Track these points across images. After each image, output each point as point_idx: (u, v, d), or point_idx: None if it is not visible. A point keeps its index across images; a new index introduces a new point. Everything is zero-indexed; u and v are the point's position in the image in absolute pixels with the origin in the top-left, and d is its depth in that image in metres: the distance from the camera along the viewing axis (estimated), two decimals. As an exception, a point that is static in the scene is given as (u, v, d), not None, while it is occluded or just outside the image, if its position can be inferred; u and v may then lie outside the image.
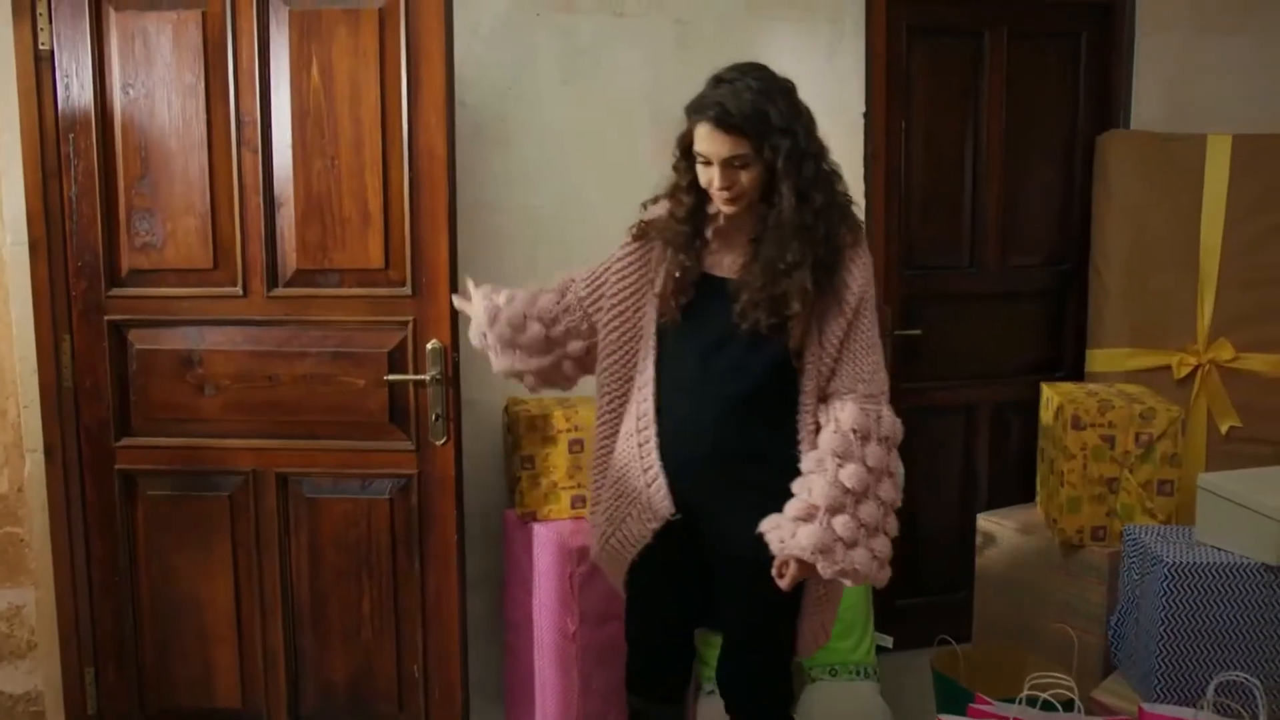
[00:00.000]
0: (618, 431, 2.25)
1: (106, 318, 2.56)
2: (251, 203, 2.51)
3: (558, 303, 2.30)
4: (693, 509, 2.16)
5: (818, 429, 2.10)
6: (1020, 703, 2.42)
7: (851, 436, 2.05)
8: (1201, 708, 2.37)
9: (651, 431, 2.15)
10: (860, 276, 2.10)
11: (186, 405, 2.57)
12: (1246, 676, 2.34)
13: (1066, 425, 2.88)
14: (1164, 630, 2.48)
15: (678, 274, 2.13)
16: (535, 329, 2.28)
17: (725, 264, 2.14)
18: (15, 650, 2.74)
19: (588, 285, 2.29)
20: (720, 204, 2.08)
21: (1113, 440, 2.84)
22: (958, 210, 3.51)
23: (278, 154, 2.50)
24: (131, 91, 2.51)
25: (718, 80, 2.05)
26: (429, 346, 2.51)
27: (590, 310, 2.28)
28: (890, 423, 2.10)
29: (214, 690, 2.67)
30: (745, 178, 2.03)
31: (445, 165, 2.49)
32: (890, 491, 2.07)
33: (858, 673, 3.00)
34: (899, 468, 2.13)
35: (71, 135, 2.52)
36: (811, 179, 2.05)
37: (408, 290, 2.52)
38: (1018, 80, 3.49)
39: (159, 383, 2.57)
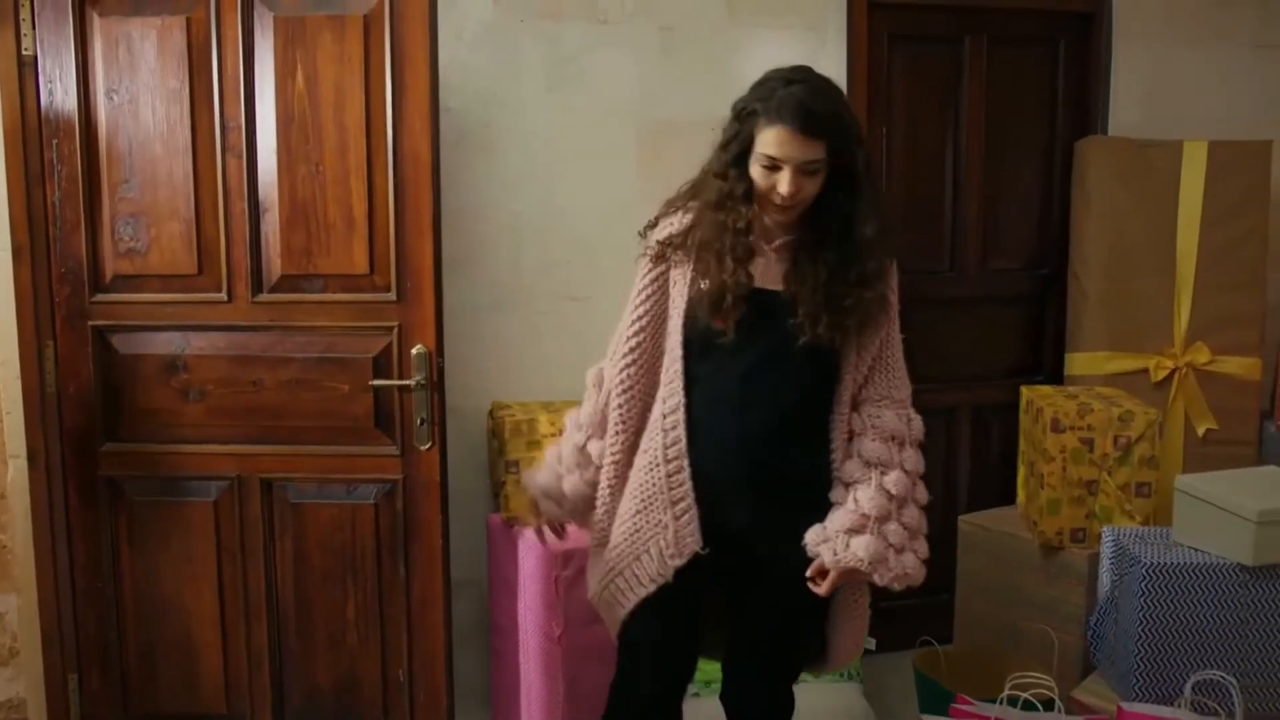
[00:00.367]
0: (629, 466, 2.11)
1: (90, 323, 2.55)
2: (236, 208, 2.51)
3: (603, 413, 2.14)
4: (726, 538, 2.04)
5: (848, 436, 2.06)
6: (1001, 703, 2.45)
7: (891, 443, 2.03)
8: (1179, 706, 2.40)
9: (684, 460, 2.02)
10: (895, 285, 2.08)
11: (171, 411, 2.57)
12: (1223, 675, 2.38)
13: (1046, 428, 2.91)
14: (1142, 630, 2.51)
15: (736, 291, 1.97)
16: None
17: (762, 274, 2.01)
18: (-2, 657, 2.74)
19: (618, 367, 2.13)
20: (777, 212, 1.96)
21: (1091, 443, 2.88)
22: (938, 215, 3.54)
23: (262, 160, 2.50)
24: (116, 97, 2.51)
25: (787, 80, 1.92)
26: (414, 351, 2.52)
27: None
28: (919, 425, 2.09)
29: (198, 696, 2.67)
30: (811, 184, 1.93)
31: (430, 171, 2.49)
32: (924, 492, 2.06)
33: (841, 674, 3.02)
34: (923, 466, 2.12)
35: (55, 141, 2.51)
36: (875, 187, 2.02)
37: (392, 296, 2.52)
38: (997, 87, 3.53)
39: (143, 388, 2.57)
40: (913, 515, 2.02)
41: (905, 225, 3.49)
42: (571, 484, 2.17)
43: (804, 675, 2.93)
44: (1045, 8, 3.53)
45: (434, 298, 2.52)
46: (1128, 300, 3.40)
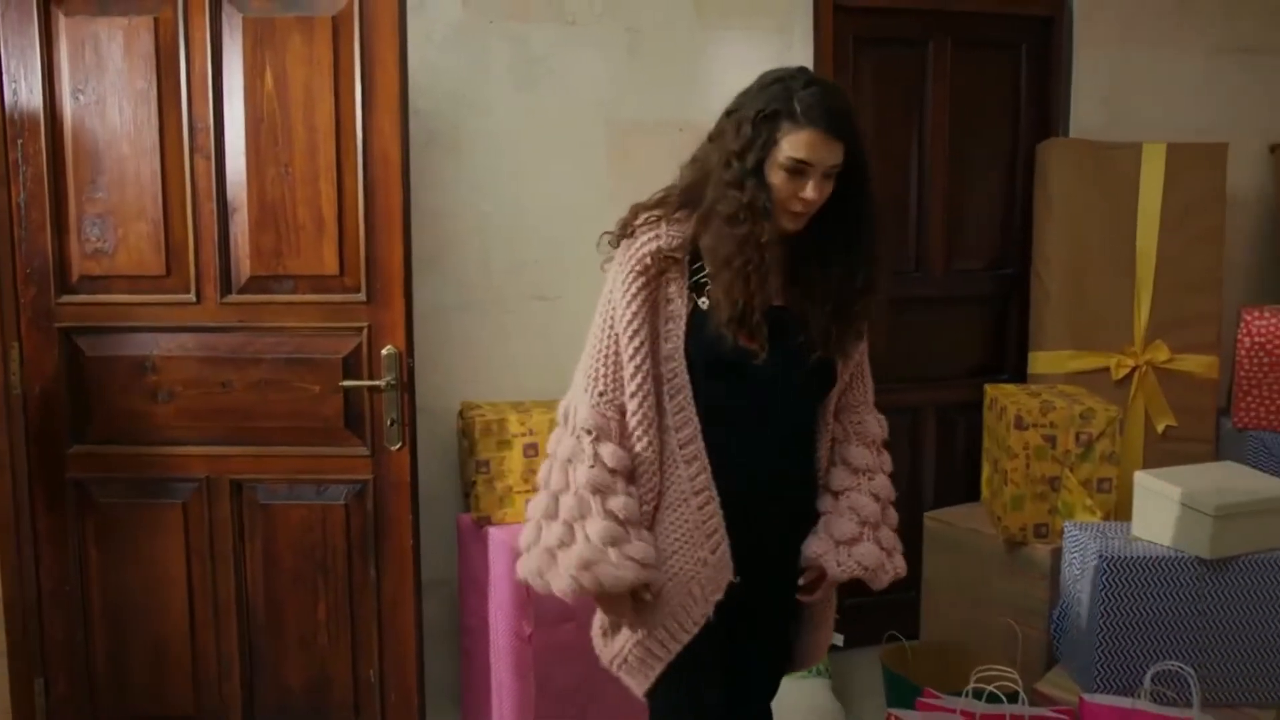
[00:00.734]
0: (656, 508, 1.90)
1: (56, 325, 2.54)
2: (205, 209, 2.50)
3: (627, 457, 1.88)
4: (756, 561, 1.93)
5: (829, 442, 2.01)
6: (966, 695, 2.49)
7: (874, 448, 2.02)
8: (1139, 697, 2.45)
9: (711, 490, 1.87)
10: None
11: (139, 412, 2.56)
12: (1181, 666, 2.43)
13: (1009, 426, 2.96)
14: (1103, 623, 2.56)
15: (763, 308, 1.84)
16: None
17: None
18: (-37, 661, 2.71)
19: (614, 384, 1.89)
20: (791, 221, 1.84)
21: (1054, 440, 2.93)
22: (904, 216, 3.58)
23: (231, 160, 2.50)
24: (82, 98, 2.49)
25: (805, 82, 1.82)
26: (384, 352, 2.52)
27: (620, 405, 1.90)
28: (885, 425, 2.08)
29: (168, 699, 2.65)
30: (829, 189, 1.83)
31: (399, 172, 2.50)
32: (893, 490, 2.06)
33: (811, 670, 3.05)
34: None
35: (20, 141, 2.50)
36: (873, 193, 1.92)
37: (362, 296, 2.53)
38: (961, 90, 3.58)
39: (111, 390, 2.56)
40: (894, 515, 2.03)
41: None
42: (646, 539, 1.88)
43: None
44: (1007, 12, 3.58)
45: (404, 298, 2.52)
46: (1089, 300, 3.46)
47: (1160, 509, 2.63)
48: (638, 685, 1.99)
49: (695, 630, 1.88)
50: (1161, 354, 3.47)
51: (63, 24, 2.48)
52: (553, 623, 2.70)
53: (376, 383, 2.53)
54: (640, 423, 1.86)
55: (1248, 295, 3.77)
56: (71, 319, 2.54)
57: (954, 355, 3.69)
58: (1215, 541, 2.51)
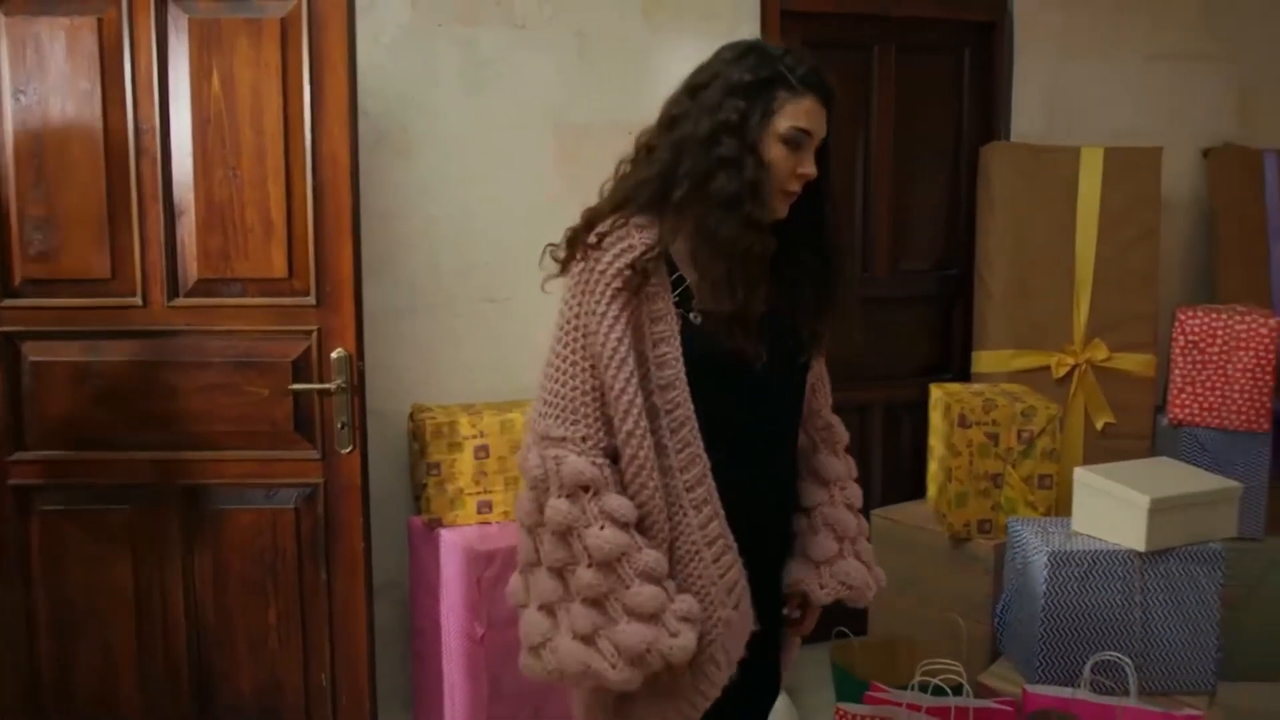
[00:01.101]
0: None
1: (-2, 329, 2.51)
2: (151, 211, 2.48)
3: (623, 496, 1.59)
4: (767, 597, 1.75)
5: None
6: (912, 689, 2.53)
7: (843, 455, 1.87)
8: (1079, 686, 2.52)
9: (728, 539, 1.64)
10: None
11: (84, 418, 2.52)
12: (1119, 656, 2.50)
13: (954, 424, 3.02)
14: (1044, 615, 2.62)
15: (761, 309, 1.65)
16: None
17: None
18: (-99, 673, 2.66)
19: (601, 426, 1.60)
20: (784, 203, 1.66)
21: (996, 438, 2.99)
22: (850, 218, 3.64)
23: (177, 162, 2.47)
24: (23, 98, 2.46)
25: (785, 50, 1.65)
26: (334, 355, 2.52)
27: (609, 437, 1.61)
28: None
29: (117, 706, 2.62)
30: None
31: (348, 174, 2.49)
32: None
33: (760, 667, 3.09)
34: None
35: (-41, 142, 2.46)
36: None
37: (312, 299, 2.52)
38: (906, 94, 3.64)
39: (55, 395, 2.52)
40: (865, 525, 1.88)
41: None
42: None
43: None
44: (950, 18, 3.65)
45: (353, 301, 2.52)
46: (1030, 300, 3.53)
47: (1099, 504, 2.70)
48: None
49: (717, 693, 1.64)
50: (1100, 353, 3.55)
51: (3, 23, 2.44)
52: (505, 624, 2.70)
53: (327, 386, 2.52)
54: (640, 469, 1.57)
55: (1182, 295, 3.88)
56: (13, 323, 2.50)
57: (900, 355, 3.76)
58: (1151, 534, 2.58)
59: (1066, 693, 2.51)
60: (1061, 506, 3.02)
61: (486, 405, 2.97)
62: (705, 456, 1.61)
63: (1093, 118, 3.77)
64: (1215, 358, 3.41)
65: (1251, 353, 3.36)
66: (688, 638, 1.55)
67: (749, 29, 3.33)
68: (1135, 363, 3.57)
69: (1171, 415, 3.50)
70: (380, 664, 2.73)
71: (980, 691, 2.64)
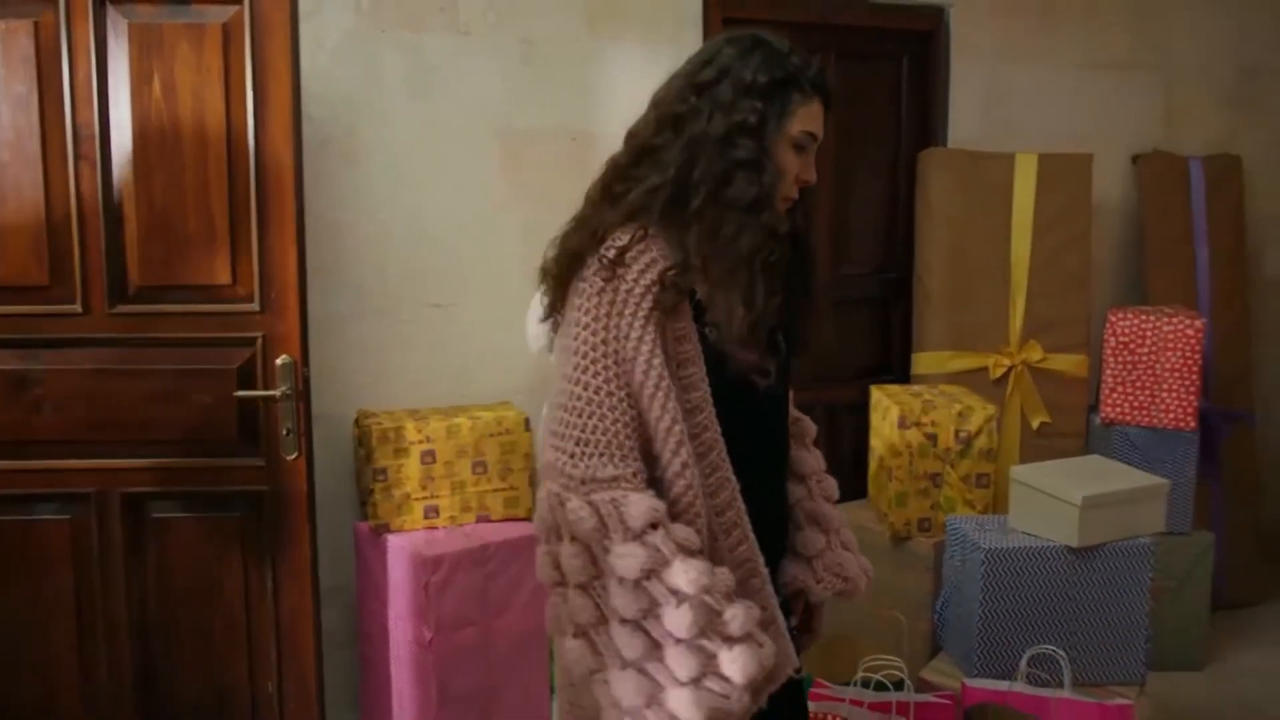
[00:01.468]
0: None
1: (-68, 338, 2.46)
2: (91, 217, 2.44)
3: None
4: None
5: None
6: (855, 685, 2.59)
7: (811, 448, 1.86)
8: (1016, 679, 2.59)
9: (757, 562, 1.58)
10: None
11: (23, 427, 2.48)
12: (1053, 649, 2.57)
13: (894, 425, 3.08)
14: (982, 611, 2.69)
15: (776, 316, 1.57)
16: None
17: None
18: None
19: (645, 459, 1.49)
20: (784, 208, 1.60)
21: (935, 438, 3.06)
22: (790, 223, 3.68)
23: (118, 168, 2.45)
24: (-43, 103, 2.42)
25: (790, 48, 1.59)
26: (279, 362, 2.51)
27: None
28: None
29: (59, 719, 2.59)
30: None
31: (293, 180, 2.48)
32: None
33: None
34: None
35: (-109, 148, 2.41)
36: None
37: (256, 306, 2.50)
38: (845, 101, 3.67)
39: (-8, 404, 2.49)
40: (843, 514, 1.85)
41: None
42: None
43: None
44: (888, 27, 3.72)
45: (298, 307, 2.51)
46: (968, 303, 3.62)
47: (1033, 502, 2.77)
48: None
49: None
50: (1035, 354, 3.64)
51: (-64, 27, 2.41)
52: (453, 628, 2.72)
53: (272, 393, 2.51)
54: (692, 503, 1.47)
55: (1113, 297, 4.00)
56: (-52, 331, 2.46)
57: (842, 357, 3.82)
58: (1083, 530, 2.66)
59: (1004, 686, 2.57)
60: (999, 504, 3.10)
61: (433, 410, 2.97)
62: (734, 479, 1.53)
63: (1027, 124, 3.87)
64: (1145, 358, 3.52)
65: (1179, 353, 3.47)
66: (770, 642, 1.47)
67: (691, 37, 3.37)
68: (1069, 363, 3.66)
69: (1104, 414, 3.60)
70: (327, 669, 2.72)
71: (921, 686, 2.70)
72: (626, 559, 1.40)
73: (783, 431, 1.74)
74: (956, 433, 3.06)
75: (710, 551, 1.50)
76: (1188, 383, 3.47)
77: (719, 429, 1.52)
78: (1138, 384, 3.52)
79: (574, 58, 3.23)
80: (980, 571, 2.69)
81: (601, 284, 1.49)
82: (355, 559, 3.01)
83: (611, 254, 1.50)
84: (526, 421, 2.93)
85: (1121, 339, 3.55)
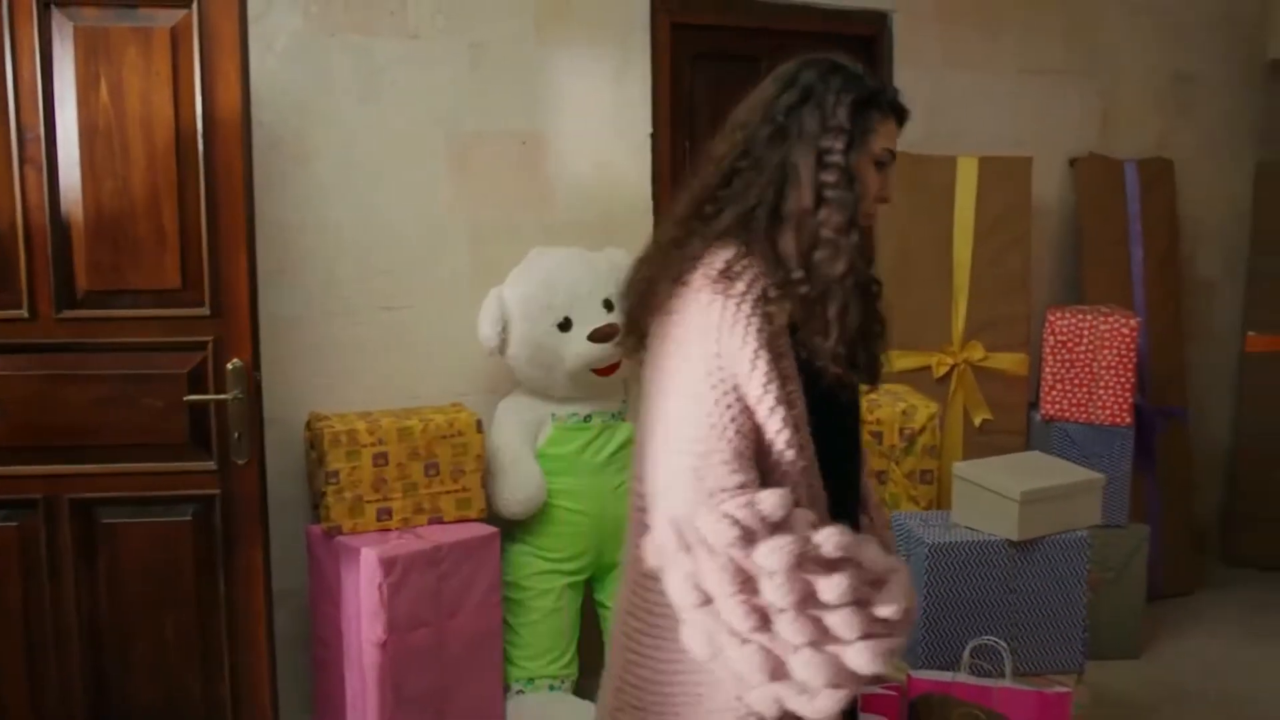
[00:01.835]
0: None
1: (-126, 344, 2.43)
2: (37, 222, 2.42)
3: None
4: None
5: None
6: (804, 678, 2.63)
7: None
8: (960, 670, 2.66)
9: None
10: None
11: (-33, 433, 2.47)
12: (995, 640, 2.65)
13: (840, 423, 3.14)
14: (926, 604, 2.76)
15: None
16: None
17: None
18: None
19: (751, 460, 1.51)
20: (867, 224, 1.64)
21: (880, 436, 3.13)
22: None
23: (65, 172, 2.43)
24: (-101, 106, 2.39)
25: (862, 70, 1.66)
26: (230, 366, 2.50)
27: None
28: None
29: (5, 726, 2.57)
30: None
31: (243, 183, 2.48)
32: None
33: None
34: None
35: None
36: None
37: (206, 310, 2.50)
38: (791, 104, 3.76)
39: (-64, 410, 2.46)
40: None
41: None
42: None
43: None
44: (833, 31, 3.78)
45: (249, 311, 2.51)
46: (912, 303, 3.69)
47: (975, 497, 2.85)
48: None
49: None
50: (977, 353, 3.73)
51: (-124, 29, 2.38)
52: (407, 629, 2.73)
53: (223, 397, 2.51)
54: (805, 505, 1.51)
55: (1052, 297, 4.10)
56: (-109, 337, 2.43)
57: (790, 357, 3.87)
58: (1022, 524, 2.74)
59: (947, 677, 2.64)
60: (943, 500, 3.17)
61: (384, 413, 2.98)
62: (825, 495, 1.55)
63: (968, 129, 3.95)
64: (1082, 356, 3.62)
65: (1115, 351, 3.57)
66: (902, 567, 1.51)
67: (639, 41, 3.41)
68: (1010, 362, 3.75)
69: (1044, 411, 3.70)
70: (280, 673, 2.72)
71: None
72: (778, 551, 1.40)
73: (859, 452, 1.76)
74: (901, 430, 3.12)
75: None
76: (1123, 380, 3.57)
77: (814, 446, 1.54)
78: (1076, 382, 3.62)
79: (523, 61, 3.25)
80: (924, 566, 2.75)
81: (710, 297, 1.50)
82: (308, 562, 3.01)
83: (718, 269, 1.52)
84: (478, 423, 2.95)
85: (1060, 338, 3.65)
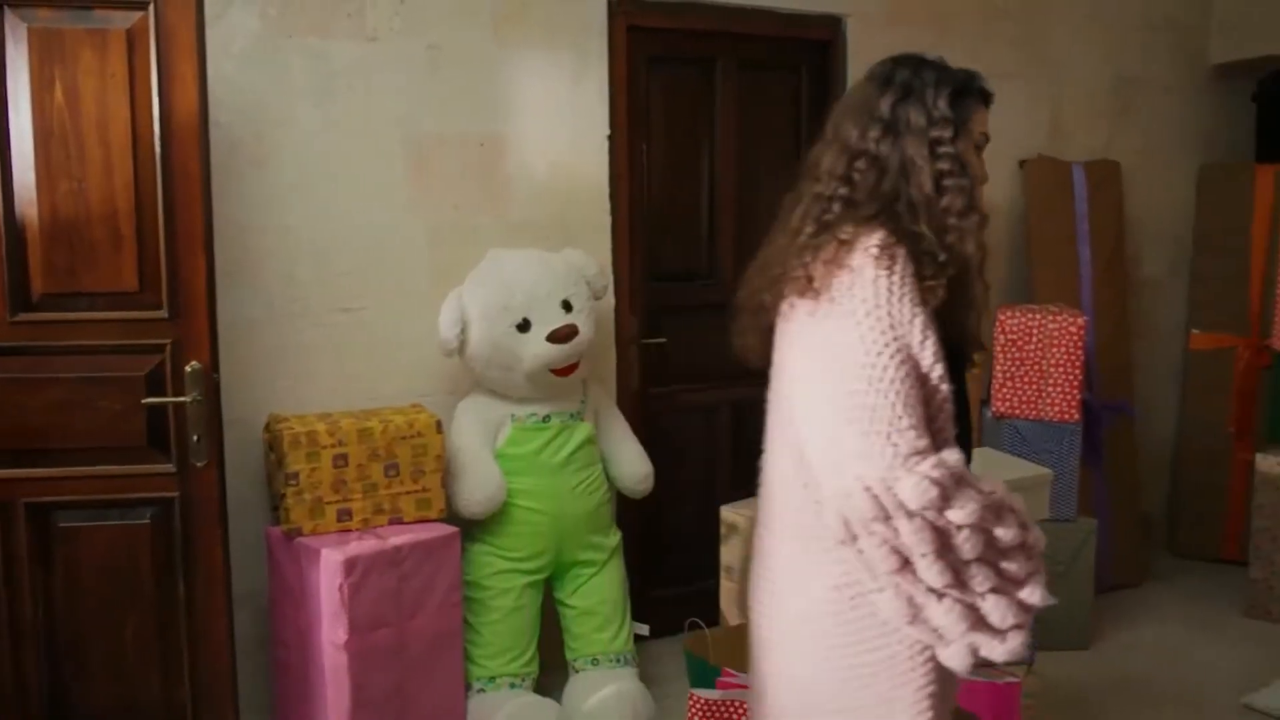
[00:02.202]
0: None
1: None
2: (-10, 225, 2.42)
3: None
4: None
5: None
6: (762, 673, 2.67)
7: None
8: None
9: None
10: None
11: (-79, 437, 2.45)
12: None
13: (796, 422, 3.18)
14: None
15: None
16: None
17: None
18: None
19: (925, 424, 1.58)
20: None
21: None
22: (695, 225, 3.78)
23: (19, 175, 2.42)
24: None
25: (949, 64, 1.75)
26: (188, 368, 2.50)
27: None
28: None
29: (-40, 733, 2.55)
30: None
31: (200, 185, 2.49)
32: None
33: (618, 660, 3.21)
34: None
35: None
36: None
37: (164, 313, 2.49)
38: (747, 106, 3.81)
39: (-112, 414, 2.43)
40: None
41: (665, 235, 3.72)
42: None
43: (587, 662, 3.10)
44: (789, 36, 3.84)
45: (207, 314, 2.51)
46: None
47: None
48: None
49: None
50: (930, 351, 3.78)
51: None
52: (368, 629, 2.74)
53: (181, 400, 2.51)
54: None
55: (1002, 296, 4.17)
56: None
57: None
58: (974, 520, 2.79)
59: (901, 669, 2.69)
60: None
61: (344, 414, 2.99)
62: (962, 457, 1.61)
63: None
64: (1032, 354, 3.69)
65: (1063, 349, 3.65)
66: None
67: (597, 44, 3.44)
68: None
69: (994, 409, 3.77)
70: (241, 675, 2.73)
71: (824, 672, 2.80)
72: (968, 505, 1.49)
73: (970, 428, 1.84)
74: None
75: None
76: (1071, 377, 3.65)
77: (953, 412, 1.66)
78: (1025, 379, 3.70)
79: (480, 63, 3.27)
80: (879, 561, 2.80)
81: (874, 273, 1.57)
82: (268, 564, 3.01)
83: (877, 245, 1.59)
84: (438, 424, 2.96)
85: (1010, 336, 3.72)
